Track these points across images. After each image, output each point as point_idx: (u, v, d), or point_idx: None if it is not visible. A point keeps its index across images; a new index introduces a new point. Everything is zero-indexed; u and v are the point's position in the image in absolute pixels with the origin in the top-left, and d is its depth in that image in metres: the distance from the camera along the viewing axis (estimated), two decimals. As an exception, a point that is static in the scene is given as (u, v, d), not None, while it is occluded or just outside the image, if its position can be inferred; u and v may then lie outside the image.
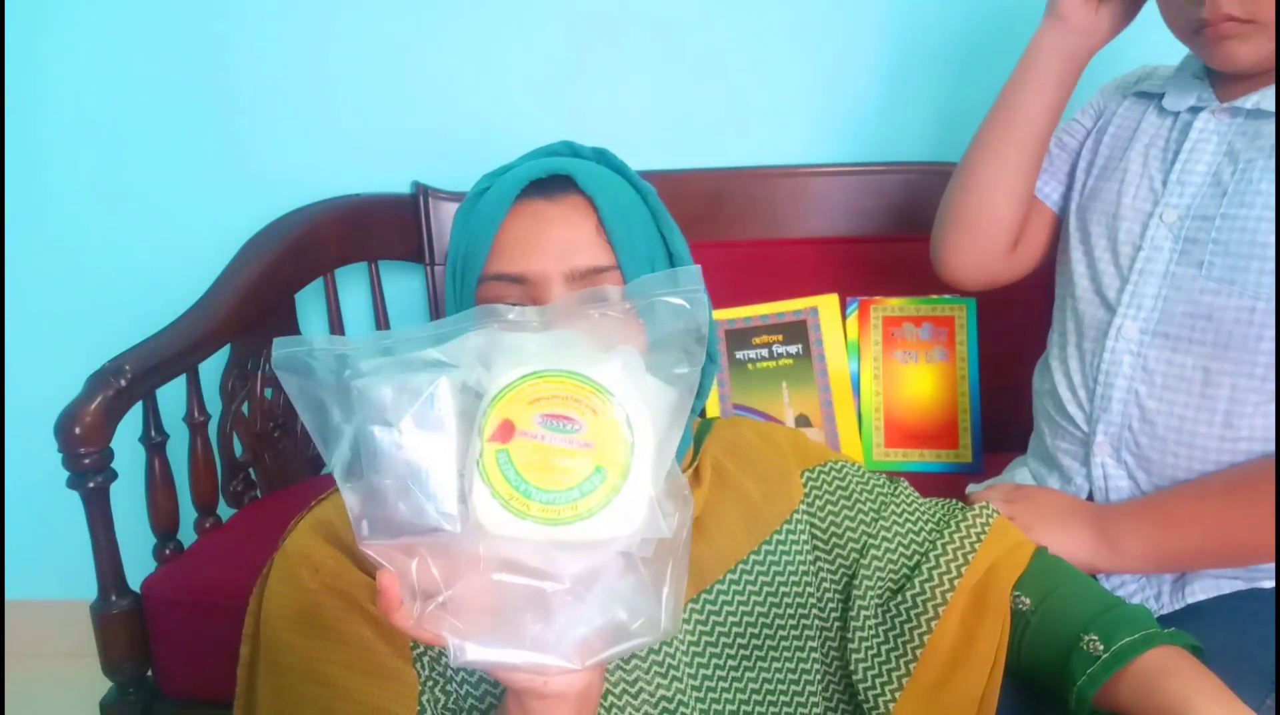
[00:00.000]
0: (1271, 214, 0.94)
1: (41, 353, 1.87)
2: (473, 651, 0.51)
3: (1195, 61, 1.07)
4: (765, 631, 0.79)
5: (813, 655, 0.81)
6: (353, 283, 1.78)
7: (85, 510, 1.24)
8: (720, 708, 0.75)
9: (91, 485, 1.23)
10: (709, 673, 0.75)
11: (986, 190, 1.15)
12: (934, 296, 1.51)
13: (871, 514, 0.86)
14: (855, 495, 0.87)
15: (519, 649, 0.52)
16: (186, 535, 1.40)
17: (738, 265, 1.62)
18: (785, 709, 0.78)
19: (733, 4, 1.65)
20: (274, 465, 1.59)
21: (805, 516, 0.85)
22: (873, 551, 0.83)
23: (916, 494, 0.90)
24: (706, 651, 0.76)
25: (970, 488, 1.20)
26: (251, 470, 1.55)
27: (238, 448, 1.53)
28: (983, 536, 0.84)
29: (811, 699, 0.80)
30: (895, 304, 1.52)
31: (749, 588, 0.79)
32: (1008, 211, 1.15)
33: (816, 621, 0.82)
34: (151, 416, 1.34)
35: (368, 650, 0.69)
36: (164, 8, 1.73)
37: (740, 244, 1.66)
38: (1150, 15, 1.05)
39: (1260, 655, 0.90)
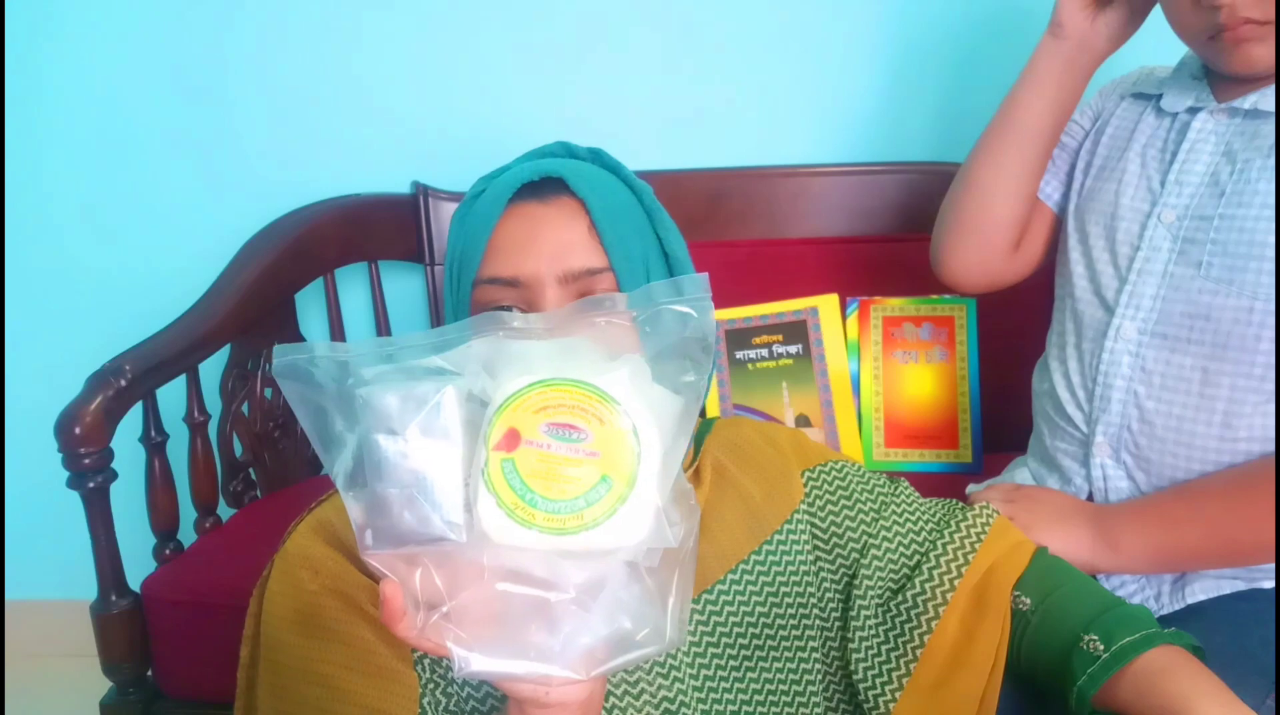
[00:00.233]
0: (1269, 214, 0.94)
1: (41, 353, 1.87)
2: (477, 662, 0.51)
3: (1193, 62, 1.07)
4: (766, 631, 0.79)
5: (813, 655, 0.81)
6: (353, 283, 1.78)
7: (85, 510, 1.24)
8: (721, 708, 0.75)
9: (91, 485, 1.23)
10: (710, 673, 0.75)
11: (988, 194, 1.15)
12: (934, 296, 1.51)
13: (872, 514, 0.86)
14: (856, 495, 0.87)
15: (524, 659, 0.51)
16: (186, 535, 1.40)
17: (738, 265, 1.62)
18: (786, 709, 0.78)
19: (733, 4, 1.65)
20: (274, 465, 1.59)
21: (806, 516, 0.85)
22: (873, 551, 0.83)
23: (917, 494, 0.90)
24: (707, 652, 0.76)
25: (970, 488, 1.20)
26: (251, 470, 1.55)
27: (238, 448, 1.53)
28: (983, 536, 0.84)
29: (812, 699, 0.80)
30: (895, 304, 1.52)
31: (750, 588, 0.79)
32: (1009, 215, 1.15)
33: (817, 621, 0.82)
34: (151, 416, 1.34)
35: (368, 652, 0.69)
36: (164, 7, 1.73)
37: (740, 244, 1.66)
38: (1150, 19, 1.05)
39: (1260, 655, 0.90)
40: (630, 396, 0.52)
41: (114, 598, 1.28)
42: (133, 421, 1.30)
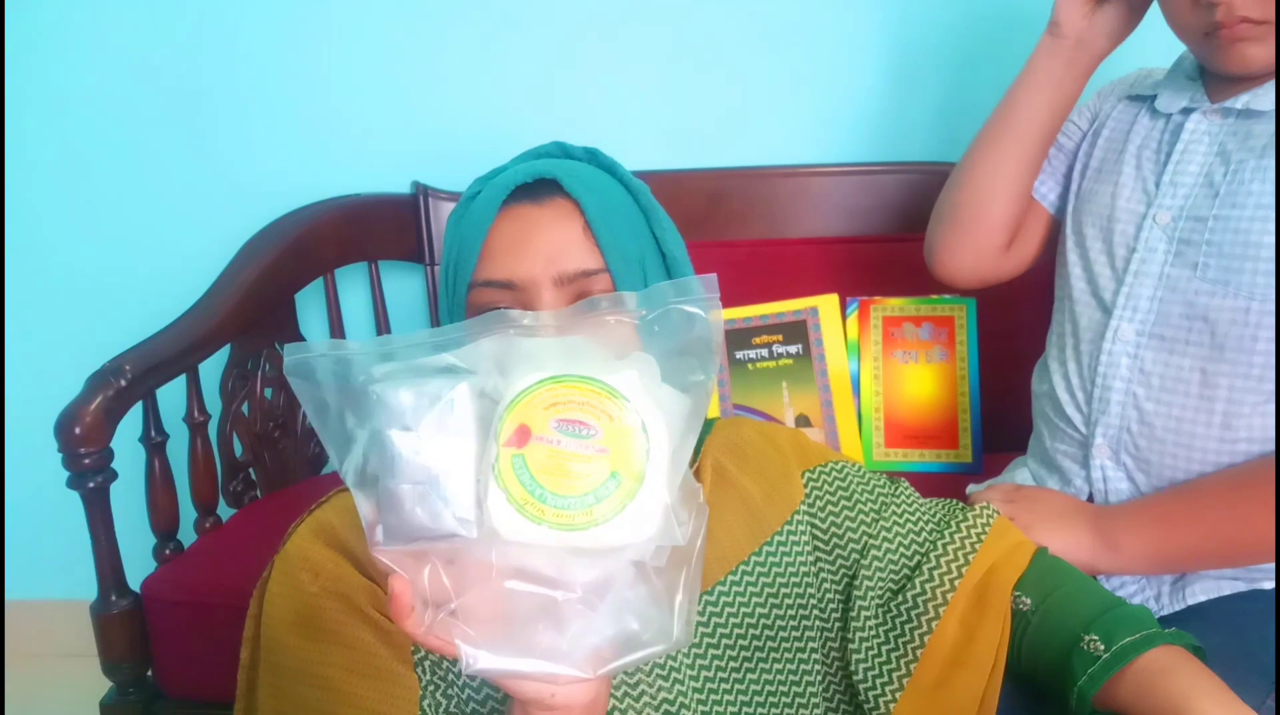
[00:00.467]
0: (1264, 214, 0.94)
1: (41, 353, 1.87)
2: (485, 660, 0.51)
3: (1189, 62, 1.07)
4: (766, 633, 0.79)
5: (813, 656, 0.81)
6: (353, 283, 1.78)
7: (85, 510, 1.24)
8: (721, 709, 0.75)
9: (91, 485, 1.23)
10: (710, 674, 0.75)
11: (982, 191, 1.15)
12: (934, 296, 1.51)
13: (872, 514, 0.86)
14: (856, 495, 0.87)
15: (531, 658, 0.51)
16: (186, 535, 1.40)
17: (738, 265, 1.62)
18: (786, 710, 0.78)
19: (733, 4, 1.65)
20: (274, 465, 1.59)
21: (806, 517, 0.85)
22: (873, 552, 0.83)
23: (917, 494, 0.90)
24: (708, 653, 0.76)
25: (970, 488, 1.20)
26: (251, 470, 1.55)
27: (238, 448, 1.53)
28: (983, 537, 0.84)
29: (812, 700, 0.80)
30: (895, 304, 1.52)
31: (750, 589, 0.79)
32: (1002, 212, 1.16)
33: (817, 622, 0.82)
34: (151, 416, 1.34)
35: (368, 653, 0.69)
36: (165, 7, 1.73)
37: (740, 244, 1.66)
38: (1149, 19, 1.05)
39: (1260, 655, 0.90)
40: (640, 394, 0.52)
41: (114, 598, 1.28)
42: (133, 421, 1.30)
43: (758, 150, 1.69)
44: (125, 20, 1.74)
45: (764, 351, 1.52)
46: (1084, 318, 1.08)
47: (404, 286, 1.81)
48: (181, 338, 1.39)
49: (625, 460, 0.51)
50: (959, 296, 1.49)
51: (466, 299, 0.72)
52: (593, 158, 0.79)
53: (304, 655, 0.69)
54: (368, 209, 1.72)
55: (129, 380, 1.26)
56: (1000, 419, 1.46)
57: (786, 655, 0.79)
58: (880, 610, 0.82)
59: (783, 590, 0.81)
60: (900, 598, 0.82)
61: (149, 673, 1.33)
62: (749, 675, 0.77)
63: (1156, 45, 1.11)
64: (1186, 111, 1.04)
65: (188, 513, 1.39)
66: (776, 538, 0.82)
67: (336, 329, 1.73)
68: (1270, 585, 0.98)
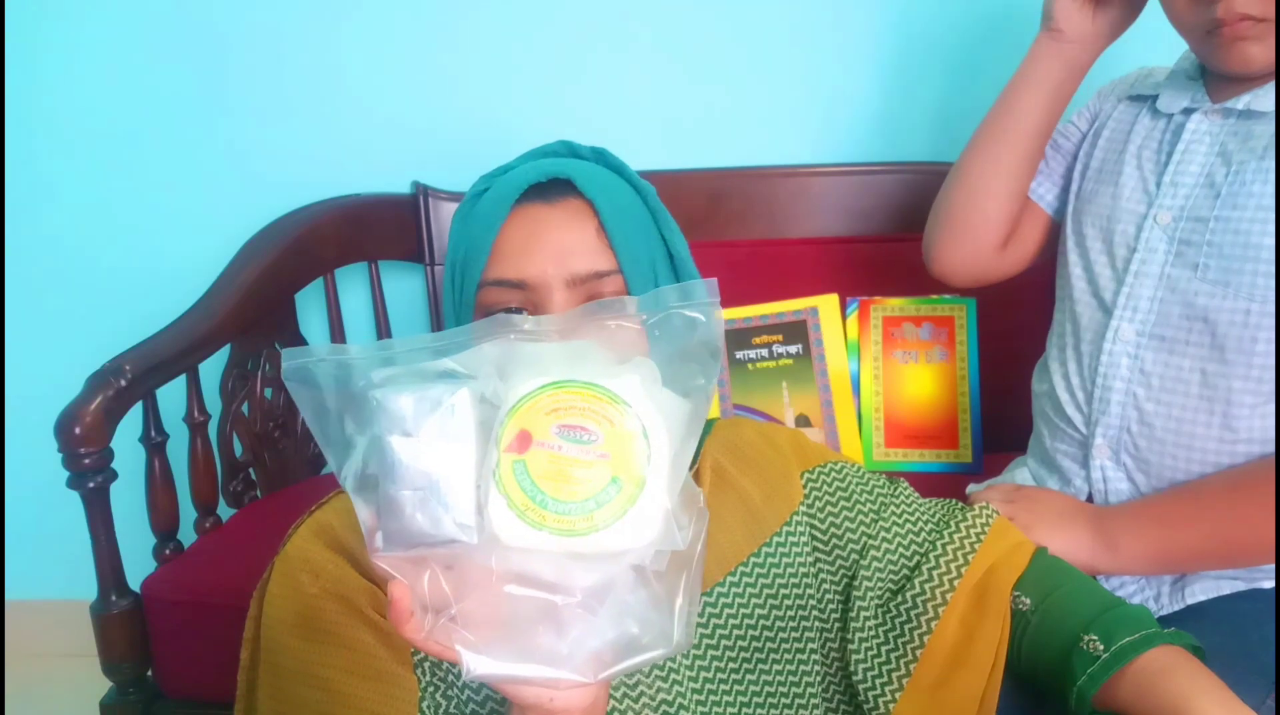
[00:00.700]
0: (1264, 216, 0.94)
1: (41, 353, 1.87)
2: (486, 665, 0.51)
3: (1190, 62, 1.07)
4: (766, 633, 0.79)
5: (813, 656, 0.81)
6: (353, 283, 1.78)
7: (85, 510, 1.24)
8: (721, 710, 0.75)
9: (91, 485, 1.23)
10: (709, 675, 0.75)
11: (978, 189, 1.16)
12: (934, 296, 1.51)
13: (871, 515, 0.86)
14: (855, 496, 0.87)
15: (531, 662, 0.51)
16: (186, 535, 1.40)
17: (738, 265, 1.62)
18: (786, 710, 0.78)
19: (733, 4, 1.65)
20: (274, 465, 1.59)
21: (805, 518, 0.85)
22: (873, 552, 0.83)
23: (916, 494, 0.90)
24: (707, 654, 0.76)
25: (970, 488, 1.20)
26: (251, 470, 1.55)
27: (238, 448, 1.53)
28: (983, 537, 0.84)
29: (812, 700, 0.80)
30: (895, 304, 1.52)
31: (749, 590, 0.79)
32: (998, 211, 1.16)
33: (817, 623, 0.82)
34: (151, 416, 1.34)
35: (368, 655, 0.69)
36: (165, 7, 1.73)
37: (740, 244, 1.66)
38: (1149, 18, 1.05)
39: (1260, 655, 0.90)
40: (640, 399, 0.52)
41: (114, 598, 1.28)
42: (133, 421, 1.30)
43: (757, 150, 1.69)
44: (125, 21, 1.74)
45: (764, 351, 1.52)
46: (1084, 318, 1.08)
47: (404, 287, 1.81)
48: (181, 338, 1.39)
49: (626, 465, 0.51)
50: (959, 296, 1.49)
51: (475, 298, 0.72)
52: (600, 158, 0.78)
53: (304, 656, 0.69)
54: (368, 209, 1.72)
55: (129, 380, 1.26)
56: (1000, 419, 1.46)
57: (786, 656, 0.79)
58: (880, 610, 0.82)
59: (782, 591, 0.81)
60: (900, 598, 0.82)
61: (149, 673, 1.33)
62: (748, 676, 0.77)
63: (1157, 45, 1.11)
64: (1188, 112, 1.04)
65: (188, 513, 1.39)
66: (776, 538, 0.82)
67: (337, 329, 1.73)
68: (1270, 585, 0.98)
